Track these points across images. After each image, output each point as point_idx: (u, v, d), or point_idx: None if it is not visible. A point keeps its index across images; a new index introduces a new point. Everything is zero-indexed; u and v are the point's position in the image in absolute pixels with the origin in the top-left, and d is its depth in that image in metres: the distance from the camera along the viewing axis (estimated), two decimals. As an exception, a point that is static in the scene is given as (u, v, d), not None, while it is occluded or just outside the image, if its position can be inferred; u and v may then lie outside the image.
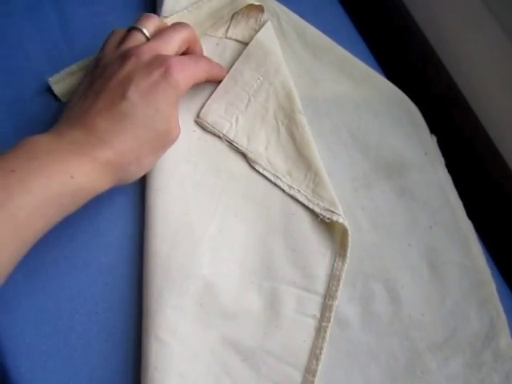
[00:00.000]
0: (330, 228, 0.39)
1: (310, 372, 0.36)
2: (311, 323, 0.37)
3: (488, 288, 0.39)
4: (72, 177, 0.30)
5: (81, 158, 0.31)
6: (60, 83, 0.41)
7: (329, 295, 0.38)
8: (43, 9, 0.43)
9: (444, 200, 0.41)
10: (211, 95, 0.42)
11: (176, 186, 0.38)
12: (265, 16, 0.44)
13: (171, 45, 0.36)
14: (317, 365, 0.36)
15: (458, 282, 0.39)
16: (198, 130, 0.41)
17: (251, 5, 0.43)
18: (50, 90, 0.41)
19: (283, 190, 0.40)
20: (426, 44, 0.46)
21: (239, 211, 0.39)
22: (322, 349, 0.37)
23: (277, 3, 0.45)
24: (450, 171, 0.42)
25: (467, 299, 0.39)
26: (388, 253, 0.40)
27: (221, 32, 0.44)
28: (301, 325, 0.37)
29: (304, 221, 0.39)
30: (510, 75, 0.40)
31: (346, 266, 0.38)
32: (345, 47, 0.44)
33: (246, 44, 0.43)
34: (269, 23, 0.44)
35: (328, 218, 0.38)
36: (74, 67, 0.41)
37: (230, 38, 0.44)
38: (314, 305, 0.38)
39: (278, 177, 0.40)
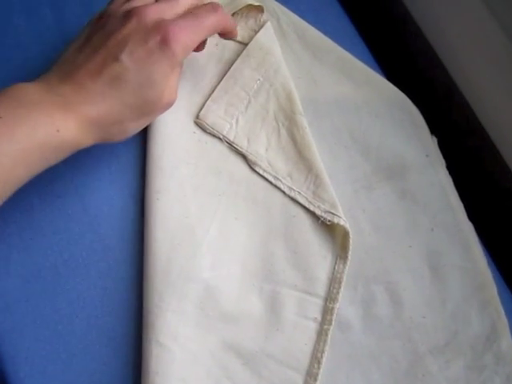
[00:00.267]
0: (330, 230, 0.39)
1: (311, 376, 0.36)
2: (312, 326, 0.37)
3: (489, 290, 0.39)
4: (58, 130, 0.30)
5: (66, 113, 0.31)
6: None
7: (330, 298, 0.38)
8: (42, 10, 0.43)
9: (445, 202, 0.41)
10: (211, 95, 0.41)
11: (176, 188, 0.38)
12: (264, 16, 0.44)
13: (178, 8, 0.35)
14: (318, 368, 0.36)
15: (459, 284, 0.39)
16: (198, 132, 0.41)
17: (251, 5, 0.43)
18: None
19: (284, 192, 0.39)
20: (427, 45, 0.46)
21: (240, 213, 0.39)
22: (323, 352, 0.36)
23: (276, 4, 0.45)
24: (450, 173, 0.42)
25: (468, 302, 0.39)
26: (389, 255, 0.40)
27: (220, 32, 0.43)
28: (302, 328, 0.37)
29: (305, 223, 0.39)
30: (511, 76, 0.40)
31: (347, 268, 0.38)
32: (345, 48, 0.44)
33: (245, 44, 0.43)
34: (268, 24, 0.43)
35: (329, 221, 0.38)
36: (72, 68, 0.41)
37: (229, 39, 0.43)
38: (315, 308, 0.37)
39: (278, 179, 0.40)
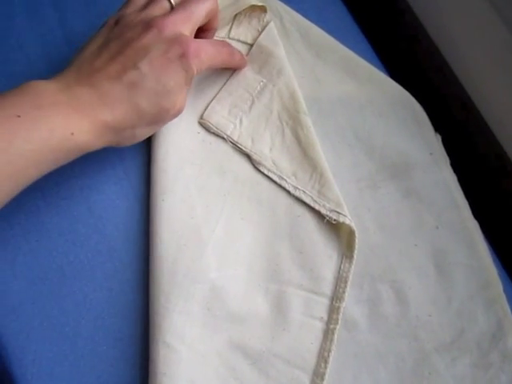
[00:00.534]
0: (336, 229, 0.39)
1: (318, 375, 0.36)
2: (319, 326, 0.37)
3: (495, 288, 0.39)
4: (72, 133, 0.31)
5: (82, 117, 0.32)
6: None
7: (336, 297, 0.38)
8: (44, 11, 0.43)
9: (450, 200, 0.41)
10: (215, 97, 0.41)
11: (181, 189, 0.38)
12: (267, 16, 0.44)
13: (194, 19, 0.36)
14: (325, 368, 0.36)
15: (464, 282, 0.39)
16: (203, 132, 0.41)
17: (254, 5, 0.43)
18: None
19: (288, 192, 0.39)
20: (431, 43, 0.46)
21: (245, 213, 0.39)
22: (330, 351, 0.36)
23: (280, 3, 0.45)
24: (455, 171, 0.42)
25: (474, 299, 0.39)
26: (394, 254, 0.40)
27: (223, 32, 0.43)
28: (308, 327, 0.37)
29: (310, 223, 0.39)
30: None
31: (352, 267, 0.38)
32: (348, 47, 0.44)
33: (248, 44, 0.43)
34: (271, 24, 0.43)
35: (334, 220, 0.38)
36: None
37: (232, 39, 0.43)
38: (321, 307, 0.37)
39: (283, 178, 0.40)
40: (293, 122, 0.41)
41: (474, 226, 0.41)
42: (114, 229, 0.38)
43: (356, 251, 0.38)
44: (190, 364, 0.35)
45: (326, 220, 0.38)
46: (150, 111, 0.34)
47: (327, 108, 0.43)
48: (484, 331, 0.38)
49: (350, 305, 0.38)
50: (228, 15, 0.43)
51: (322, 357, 0.36)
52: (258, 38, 0.43)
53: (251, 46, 0.43)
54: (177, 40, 0.34)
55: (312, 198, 0.39)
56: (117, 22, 0.36)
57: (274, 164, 0.40)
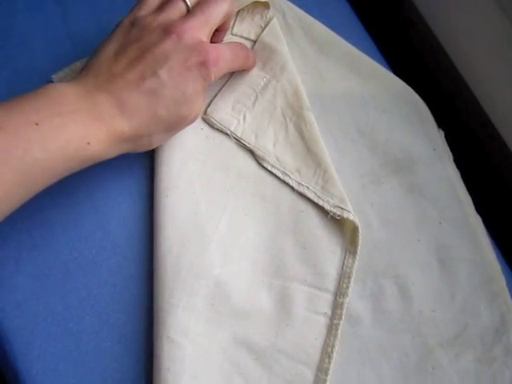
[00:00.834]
0: (339, 225, 0.39)
1: (322, 370, 0.36)
2: (322, 321, 0.37)
3: (498, 283, 0.39)
4: (89, 143, 0.31)
5: (100, 126, 0.31)
6: (63, 80, 0.41)
7: (340, 293, 0.38)
8: (47, 7, 0.43)
9: (453, 195, 0.41)
10: (218, 93, 0.41)
11: (185, 185, 0.38)
12: (270, 12, 0.44)
13: (212, 22, 0.36)
14: (329, 363, 0.36)
15: (467, 277, 0.39)
16: (206, 128, 0.41)
17: (257, 1, 0.43)
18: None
19: (292, 188, 0.39)
20: (433, 39, 0.46)
21: (249, 209, 0.39)
22: (333, 347, 0.36)
23: (282, -1, 0.45)
24: (458, 166, 0.42)
25: (477, 294, 0.39)
26: (397, 249, 0.40)
27: (226, 29, 0.43)
28: (312, 323, 0.37)
29: (313, 218, 0.39)
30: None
31: (356, 263, 0.38)
32: (351, 43, 0.44)
33: (252, 40, 0.43)
34: (274, 20, 0.43)
35: (338, 215, 0.38)
36: (77, 64, 0.41)
37: (235, 35, 0.43)
38: (324, 302, 0.37)
39: (286, 174, 0.40)
40: (296, 117, 0.41)
41: (477, 221, 0.41)
42: (118, 225, 0.38)
43: (359, 247, 0.38)
44: (194, 359, 0.35)
45: (329, 216, 0.38)
46: (168, 119, 0.34)
47: (330, 104, 0.43)
48: (487, 326, 0.38)
49: (354, 300, 0.38)
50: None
51: (326, 352, 0.36)
52: (260, 34, 0.43)
53: (254, 42, 0.43)
54: (196, 47, 0.34)
55: (316, 193, 0.39)
56: (132, 24, 0.35)
57: (278, 160, 0.40)
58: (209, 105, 0.41)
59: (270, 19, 0.43)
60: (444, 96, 0.46)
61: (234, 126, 0.40)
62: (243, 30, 0.43)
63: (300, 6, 0.45)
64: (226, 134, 0.40)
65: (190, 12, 0.36)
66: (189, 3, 0.36)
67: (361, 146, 0.42)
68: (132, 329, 0.36)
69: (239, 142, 0.40)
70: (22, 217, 0.37)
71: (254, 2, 0.43)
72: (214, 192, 0.39)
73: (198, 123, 0.41)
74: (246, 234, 0.39)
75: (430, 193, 0.41)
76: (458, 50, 0.45)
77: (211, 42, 0.36)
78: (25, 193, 0.30)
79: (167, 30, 0.34)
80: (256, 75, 0.42)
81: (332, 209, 0.38)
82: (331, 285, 0.38)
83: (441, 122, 0.43)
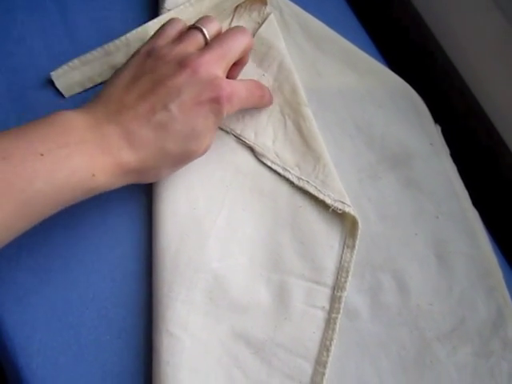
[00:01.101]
0: (337, 220, 0.39)
1: (320, 364, 0.36)
2: (320, 315, 0.37)
3: (495, 277, 0.39)
4: (93, 175, 0.30)
5: (106, 158, 0.31)
6: (62, 77, 0.41)
7: (338, 287, 0.38)
8: (45, 5, 0.43)
9: (450, 190, 0.41)
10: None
11: (183, 181, 0.38)
12: (267, 9, 0.44)
13: (229, 57, 0.35)
14: (327, 356, 0.36)
15: (465, 271, 0.39)
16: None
17: (254, -2, 0.43)
18: (52, 84, 0.41)
19: (292, 183, 0.39)
20: (429, 35, 0.46)
21: (247, 205, 0.39)
22: (332, 340, 0.37)
23: (279, -4, 0.45)
24: (454, 161, 0.42)
25: (475, 288, 0.39)
26: (395, 243, 0.40)
27: (224, 25, 0.44)
28: (310, 317, 0.37)
29: (311, 213, 0.39)
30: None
31: (354, 257, 0.38)
32: (348, 39, 0.44)
33: (249, 37, 0.43)
34: (272, 16, 0.44)
35: (339, 209, 0.38)
36: (75, 62, 0.41)
37: (233, 31, 0.44)
38: (323, 296, 0.38)
39: (286, 169, 0.40)
40: (294, 114, 0.41)
41: (473, 215, 0.41)
42: (118, 220, 0.38)
43: (358, 241, 0.38)
44: (193, 353, 0.35)
45: (331, 209, 0.38)
46: (176, 153, 0.33)
47: (327, 99, 0.43)
48: (485, 319, 0.39)
49: (352, 294, 0.38)
50: (229, 8, 0.43)
51: (324, 345, 0.37)
52: (258, 30, 0.43)
53: (251, 38, 0.43)
54: (210, 83, 0.33)
55: (316, 187, 0.39)
56: (149, 54, 0.34)
57: (277, 156, 0.40)
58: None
59: (268, 15, 0.43)
60: (440, 91, 0.47)
61: (233, 124, 0.41)
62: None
63: (297, 3, 0.45)
64: (226, 131, 0.41)
65: (207, 45, 0.35)
66: (207, 35, 0.35)
67: (358, 141, 0.42)
68: (131, 323, 0.36)
69: (238, 139, 0.40)
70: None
71: (252, -1, 0.43)
72: (212, 187, 0.39)
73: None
74: (243, 228, 0.39)
75: (427, 187, 0.41)
76: (454, 46, 0.45)
77: (227, 75, 0.36)
78: (25, 223, 0.30)
79: (182, 63, 0.33)
80: (254, 72, 0.42)
81: (333, 203, 0.38)
82: (329, 279, 0.38)
83: (437, 117, 0.43)
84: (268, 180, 0.40)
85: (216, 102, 0.33)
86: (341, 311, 0.37)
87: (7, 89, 0.41)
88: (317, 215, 0.39)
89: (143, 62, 0.34)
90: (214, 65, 0.33)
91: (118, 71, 0.34)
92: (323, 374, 0.36)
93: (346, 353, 0.37)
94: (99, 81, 0.42)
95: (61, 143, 0.30)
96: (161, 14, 0.42)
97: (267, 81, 0.42)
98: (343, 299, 0.37)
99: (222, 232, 0.38)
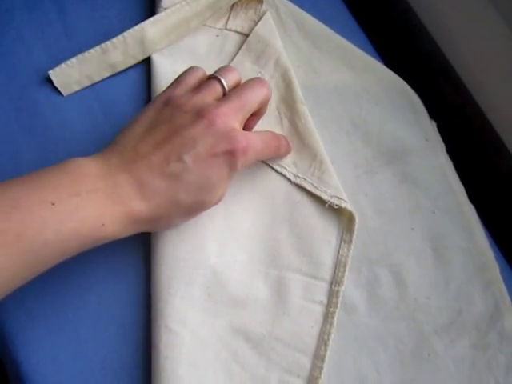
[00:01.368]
0: (334, 215, 0.39)
1: (318, 358, 0.36)
2: (318, 309, 0.38)
3: (492, 270, 0.40)
4: (103, 225, 0.30)
5: (117, 207, 0.30)
6: (60, 76, 0.41)
7: (335, 281, 0.38)
8: (43, 4, 0.44)
9: (446, 185, 0.42)
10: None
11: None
12: (263, 7, 0.44)
13: (247, 109, 0.34)
14: (325, 350, 0.36)
15: (461, 265, 0.40)
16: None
17: (250, -4, 0.43)
18: (50, 82, 0.41)
19: (289, 180, 0.40)
20: (425, 32, 0.47)
21: (244, 201, 0.40)
22: (329, 334, 0.37)
23: (275, -6, 0.45)
24: (450, 156, 0.43)
25: (471, 282, 0.39)
26: (392, 238, 0.40)
27: (221, 23, 0.44)
28: (308, 311, 0.37)
29: (308, 209, 0.40)
30: (510, 60, 0.41)
31: (351, 252, 0.39)
32: (344, 36, 0.45)
33: (246, 35, 0.44)
34: (268, 14, 0.44)
35: (336, 205, 0.38)
36: (73, 60, 0.41)
37: (230, 30, 0.44)
38: (320, 291, 0.38)
39: (283, 167, 0.40)
40: (290, 111, 0.41)
41: (470, 210, 0.41)
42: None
43: (355, 236, 0.39)
44: (192, 348, 0.35)
45: (327, 205, 0.39)
46: (188, 204, 0.32)
47: (324, 97, 0.44)
48: (482, 313, 0.39)
49: (349, 288, 0.38)
50: (225, 6, 0.43)
51: (322, 340, 0.37)
52: (254, 28, 0.43)
53: (248, 36, 0.44)
54: (226, 135, 0.32)
55: (313, 184, 0.39)
56: (166, 103, 0.34)
57: (274, 153, 0.41)
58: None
59: (264, 13, 0.44)
60: (436, 87, 0.47)
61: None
62: (237, 24, 0.44)
63: (292, 1, 0.45)
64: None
65: (226, 95, 0.35)
66: (226, 86, 0.35)
67: (354, 138, 0.43)
68: (130, 319, 0.37)
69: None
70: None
71: (248, -3, 0.43)
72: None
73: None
74: (241, 224, 0.39)
75: (423, 182, 0.42)
76: (450, 43, 0.45)
77: (244, 125, 0.36)
78: (31, 273, 0.29)
79: (199, 114, 0.32)
80: (250, 69, 0.43)
81: (329, 199, 0.39)
82: (327, 274, 0.38)
83: (433, 113, 0.44)
84: (265, 176, 0.40)
85: (231, 154, 0.32)
86: (338, 305, 0.37)
87: (6, 87, 0.41)
88: (314, 210, 0.39)
89: (160, 110, 0.34)
90: (231, 116, 0.33)
91: (133, 118, 0.34)
92: (321, 367, 0.36)
93: (343, 347, 0.38)
94: (97, 79, 0.42)
95: (72, 192, 0.29)
96: (157, 12, 0.43)
97: (263, 78, 0.42)
98: (341, 293, 0.38)
99: (220, 228, 0.38)
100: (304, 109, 0.41)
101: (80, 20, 0.44)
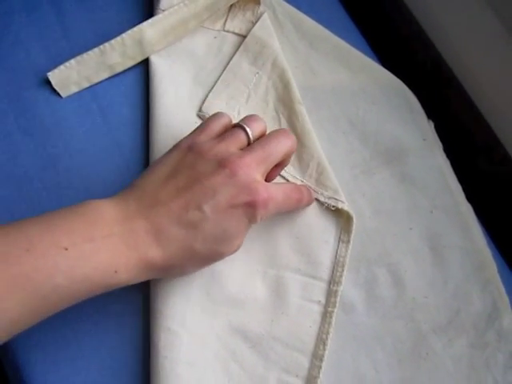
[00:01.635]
0: (332, 215, 0.40)
1: (317, 357, 0.37)
2: (317, 309, 0.38)
3: (489, 269, 0.40)
4: (116, 271, 0.29)
5: (131, 254, 0.30)
6: (59, 77, 0.42)
7: (333, 281, 0.38)
8: (42, 7, 0.44)
9: (443, 184, 0.42)
10: (212, 89, 0.42)
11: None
12: (261, 8, 0.45)
13: (270, 161, 0.34)
14: (324, 350, 0.37)
15: (459, 264, 0.40)
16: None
17: (247, -3, 0.44)
18: (49, 84, 0.42)
19: (287, 181, 0.40)
20: (421, 31, 0.47)
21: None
22: (328, 334, 0.37)
23: (272, -5, 0.46)
24: (447, 156, 0.43)
25: (469, 281, 0.39)
26: (390, 238, 0.40)
27: (218, 25, 0.44)
28: (306, 311, 0.38)
29: (306, 208, 0.40)
30: (506, 60, 0.41)
31: (349, 251, 0.39)
32: (340, 37, 0.45)
33: (243, 37, 0.44)
34: (265, 15, 0.44)
35: (333, 206, 0.39)
36: (72, 62, 0.42)
37: (227, 31, 0.44)
38: (318, 291, 0.38)
39: None
40: (288, 112, 0.42)
41: (467, 209, 0.41)
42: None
43: (353, 236, 0.39)
44: (191, 347, 0.36)
45: (325, 206, 0.39)
46: (204, 253, 0.32)
47: (321, 97, 0.44)
48: (480, 312, 0.39)
49: (348, 288, 0.39)
50: (223, 8, 0.44)
51: (321, 339, 0.37)
52: (252, 29, 0.44)
53: (245, 37, 0.44)
54: (248, 187, 0.31)
55: (310, 186, 0.40)
56: (189, 149, 0.33)
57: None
58: (203, 101, 0.42)
59: (261, 15, 0.44)
60: (433, 87, 0.47)
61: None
62: (235, 26, 0.44)
63: (290, 2, 0.46)
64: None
65: (250, 145, 0.34)
66: (251, 136, 0.34)
67: (352, 138, 0.43)
68: (129, 318, 0.37)
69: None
70: (19, 210, 0.38)
71: (245, -2, 0.44)
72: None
73: (193, 119, 0.42)
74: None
75: (420, 182, 0.42)
76: (446, 43, 0.46)
77: (266, 176, 0.35)
78: (37, 317, 0.29)
79: (222, 163, 0.32)
80: (248, 70, 0.43)
81: (326, 200, 0.39)
82: (325, 273, 0.38)
83: (430, 113, 0.44)
84: (263, 177, 0.40)
85: (251, 206, 0.32)
86: (337, 305, 0.37)
87: (5, 89, 0.41)
88: (312, 210, 0.40)
89: (183, 156, 0.33)
90: (253, 168, 0.32)
91: (155, 162, 0.34)
92: (320, 367, 0.36)
93: (342, 346, 0.38)
94: (95, 80, 0.42)
95: (86, 237, 0.29)
96: (155, 14, 0.43)
97: (261, 80, 0.42)
98: (339, 293, 0.38)
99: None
100: (301, 109, 0.42)
101: (78, 22, 0.44)
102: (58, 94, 0.42)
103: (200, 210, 0.31)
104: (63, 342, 0.35)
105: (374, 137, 0.43)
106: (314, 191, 0.39)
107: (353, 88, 0.44)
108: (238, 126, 0.35)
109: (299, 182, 0.40)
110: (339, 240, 0.39)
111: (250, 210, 0.32)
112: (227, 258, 0.37)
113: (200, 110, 0.42)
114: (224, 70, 0.43)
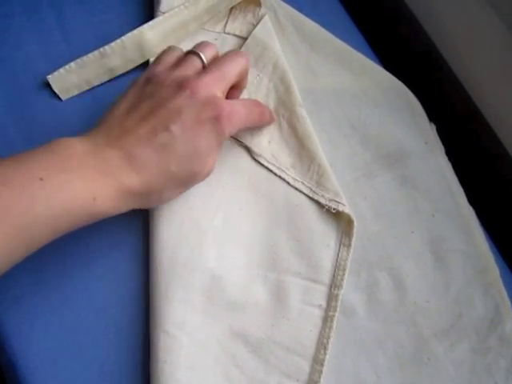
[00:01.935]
0: (333, 218, 0.39)
1: (317, 362, 0.36)
2: (317, 313, 0.37)
3: (492, 274, 0.39)
4: (94, 199, 0.30)
5: (107, 181, 0.30)
6: (59, 81, 0.42)
7: (334, 285, 0.38)
8: (42, 10, 0.44)
9: (445, 187, 0.41)
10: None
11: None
12: (262, 10, 0.44)
13: (227, 79, 0.35)
14: (324, 354, 0.36)
15: (461, 268, 0.40)
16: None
17: (248, -1, 0.43)
18: (49, 87, 0.41)
19: (288, 183, 0.40)
20: (423, 34, 0.46)
21: (243, 204, 0.40)
22: (329, 338, 0.37)
23: (273, -3, 0.45)
24: (449, 159, 0.42)
25: (471, 285, 0.39)
26: (391, 241, 0.40)
27: (219, 27, 0.44)
28: (307, 315, 0.37)
29: (307, 212, 0.39)
30: (507, 60, 0.41)
31: (350, 255, 0.38)
32: (342, 39, 0.45)
33: (244, 38, 0.44)
34: (266, 17, 0.44)
35: (334, 209, 0.38)
36: (72, 65, 0.42)
37: (228, 33, 0.44)
38: (319, 295, 0.38)
39: (282, 170, 0.40)
40: (289, 114, 0.41)
41: (469, 212, 0.41)
42: (115, 220, 0.38)
43: (354, 239, 0.39)
44: (191, 352, 0.35)
45: (325, 209, 0.39)
46: (180, 174, 0.33)
47: (322, 99, 0.44)
48: (482, 316, 0.39)
49: (349, 292, 0.38)
50: (223, 10, 0.43)
51: (322, 343, 0.37)
52: (253, 31, 0.43)
53: (246, 39, 0.44)
54: (210, 102, 0.33)
55: (311, 188, 0.39)
56: (148, 81, 0.34)
57: (273, 156, 0.41)
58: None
59: (262, 16, 0.44)
60: (435, 90, 0.47)
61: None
62: (236, 28, 0.44)
63: (291, 4, 0.45)
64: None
65: (205, 69, 0.35)
66: (204, 60, 0.36)
67: (353, 141, 0.43)
68: (129, 322, 0.37)
69: (235, 140, 0.41)
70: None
71: (246, 0, 0.43)
72: (208, 187, 0.39)
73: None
74: (240, 228, 0.39)
75: (422, 185, 0.42)
76: (448, 45, 0.45)
77: (227, 98, 0.36)
78: (25, 249, 0.29)
79: (181, 85, 0.33)
80: (249, 73, 0.42)
81: (327, 203, 0.39)
82: (326, 277, 0.38)
83: (432, 116, 0.43)
84: (264, 179, 0.40)
85: (217, 120, 0.33)
86: (338, 309, 0.37)
87: (5, 93, 0.41)
88: (313, 214, 0.39)
89: (143, 88, 0.34)
90: (212, 86, 0.34)
91: (117, 99, 0.34)
92: (320, 371, 0.36)
93: (343, 350, 0.37)
94: (96, 83, 0.42)
95: (61, 168, 0.29)
96: (156, 16, 0.43)
97: (262, 82, 0.42)
98: (340, 297, 0.37)
99: (218, 231, 0.38)
100: (302, 111, 0.41)
101: (78, 25, 0.44)
102: (58, 97, 0.42)
103: (168, 130, 0.32)
104: (62, 347, 0.35)
105: (376, 139, 0.43)
106: (315, 193, 0.39)
107: (354, 90, 0.44)
108: (192, 53, 0.36)
109: (300, 184, 0.40)
110: (340, 243, 0.39)
111: (217, 123, 0.33)
112: (228, 262, 0.38)
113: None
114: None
